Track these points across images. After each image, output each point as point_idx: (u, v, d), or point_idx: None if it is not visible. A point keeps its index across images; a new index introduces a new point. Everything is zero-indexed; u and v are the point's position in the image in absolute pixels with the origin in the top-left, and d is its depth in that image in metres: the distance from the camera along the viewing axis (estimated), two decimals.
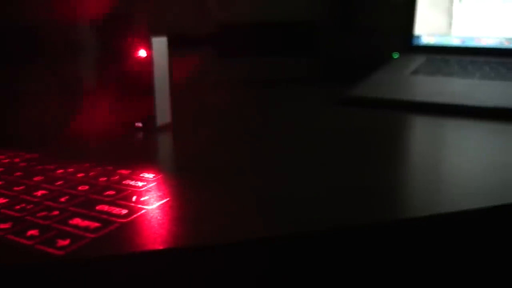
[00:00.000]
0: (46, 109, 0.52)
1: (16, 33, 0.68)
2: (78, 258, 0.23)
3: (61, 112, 0.50)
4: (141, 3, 0.63)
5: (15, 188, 0.33)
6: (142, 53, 0.46)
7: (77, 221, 0.27)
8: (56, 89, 0.57)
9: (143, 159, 0.40)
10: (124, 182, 0.33)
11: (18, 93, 0.59)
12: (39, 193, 0.32)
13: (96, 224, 0.27)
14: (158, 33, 0.48)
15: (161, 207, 0.29)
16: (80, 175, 0.35)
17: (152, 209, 0.29)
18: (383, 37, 0.81)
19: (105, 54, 0.50)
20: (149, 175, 0.35)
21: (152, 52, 0.46)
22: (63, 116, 0.49)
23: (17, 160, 0.40)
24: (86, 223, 0.27)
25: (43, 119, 0.50)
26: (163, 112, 0.48)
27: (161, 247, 0.24)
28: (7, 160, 0.40)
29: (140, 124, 0.48)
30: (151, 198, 0.30)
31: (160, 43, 0.47)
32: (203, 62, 0.72)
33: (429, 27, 0.76)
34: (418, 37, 0.77)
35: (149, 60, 0.46)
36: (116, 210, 0.28)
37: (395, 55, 0.76)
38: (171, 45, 0.48)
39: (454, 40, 0.74)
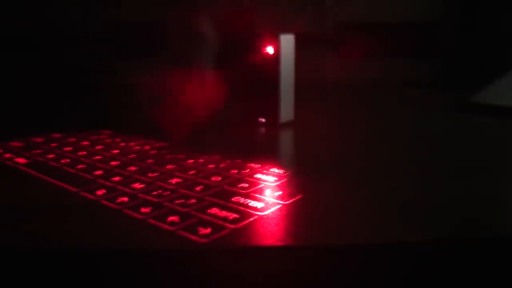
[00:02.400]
0: (173, 100, 0.53)
1: (144, 27, 0.71)
2: (222, 247, 0.23)
3: (187, 103, 0.51)
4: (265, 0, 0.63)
5: (150, 175, 0.34)
6: (270, 49, 0.46)
7: (215, 210, 0.27)
8: (180, 81, 0.59)
9: (269, 154, 0.40)
10: (255, 175, 0.33)
11: (145, 84, 0.61)
12: (174, 180, 0.32)
13: (235, 215, 0.27)
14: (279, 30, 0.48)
15: (295, 203, 0.29)
16: (211, 166, 0.36)
17: (287, 204, 0.28)
18: (507, 41, 0.77)
19: (232, 48, 0.50)
20: (279, 171, 0.34)
21: (280, 49, 0.46)
22: (189, 107, 0.50)
23: (147, 147, 0.41)
24: (224, 213, 0.27)
25: (170, 109, 0.51)
26: (286, 109, 0.48)
27: (301, 244, 0.24)
28: (138, 147, 0.41)
29: (263, 120, 0.48)
30: (284, 194, 0.30)
31: (287, 40, 0.47)
32: (322, 61, 0.71)
33: None
34: None
35: (276, 56, 0.46)
36: (252, 203, 0.28)
37: None
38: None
39: None
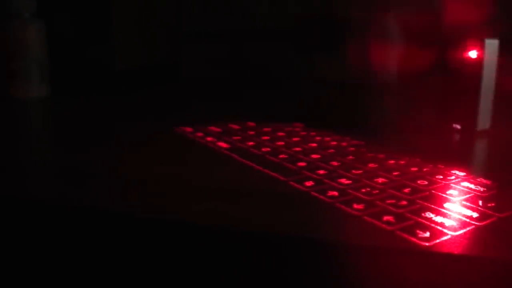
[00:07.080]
0: (363, 98, 0.54)
1: (325, 24, 0.72)
2: (444, 253, 0.23)
3: (380, 102, 0.52)
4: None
5: (354, 172, 0.35)
6: (473, 53, 0.45)
7: (429, 215, 0.27)
8: (366, 80, 0.59)
9: (469, 162, 0.39)
10: (462, 184, 0.33)
11: (329, 81, 0.63)
12: (379, 180, 0.33)
13: (451, 222, 0.26)
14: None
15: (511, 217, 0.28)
16: (413, 169, 0.36)
17: (503, 217, 0.28)
18: None
19: (430, 50, 0.50)
20: (486, 181, 0.33)
21: (484, 54, 0.45)
22: (382, 106, 0.51)
23: (344, 144, 0.42)
24: (439, 219, 0.27)
25: (360, 107, 0.52)
26: (484, 117, 0.46)
27: None
28: (334, 143, 0.43)
29: (458, 126, 0.47)
30: (498, 206, 0.29)
31: (492, 45, 0.45)
32: None
33: None
34: None
35: (479, 61, 0.45)
36: (466, 212, 0.28)
37: None
38: None
39: None
